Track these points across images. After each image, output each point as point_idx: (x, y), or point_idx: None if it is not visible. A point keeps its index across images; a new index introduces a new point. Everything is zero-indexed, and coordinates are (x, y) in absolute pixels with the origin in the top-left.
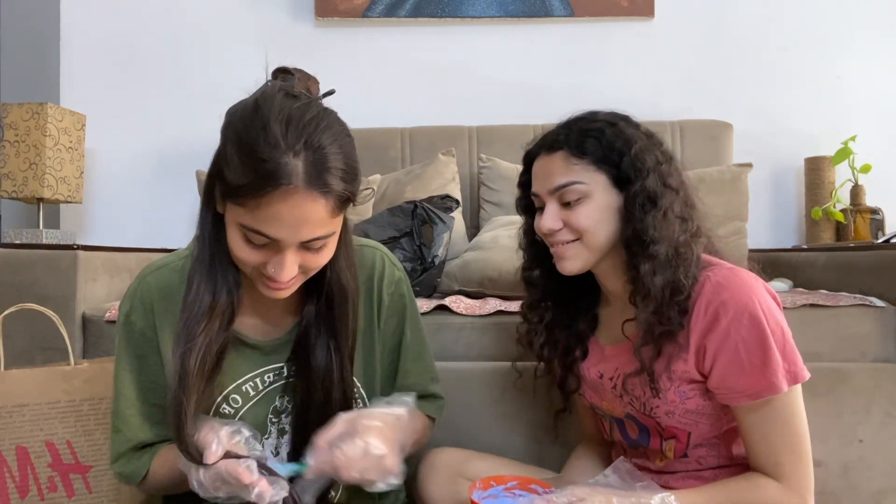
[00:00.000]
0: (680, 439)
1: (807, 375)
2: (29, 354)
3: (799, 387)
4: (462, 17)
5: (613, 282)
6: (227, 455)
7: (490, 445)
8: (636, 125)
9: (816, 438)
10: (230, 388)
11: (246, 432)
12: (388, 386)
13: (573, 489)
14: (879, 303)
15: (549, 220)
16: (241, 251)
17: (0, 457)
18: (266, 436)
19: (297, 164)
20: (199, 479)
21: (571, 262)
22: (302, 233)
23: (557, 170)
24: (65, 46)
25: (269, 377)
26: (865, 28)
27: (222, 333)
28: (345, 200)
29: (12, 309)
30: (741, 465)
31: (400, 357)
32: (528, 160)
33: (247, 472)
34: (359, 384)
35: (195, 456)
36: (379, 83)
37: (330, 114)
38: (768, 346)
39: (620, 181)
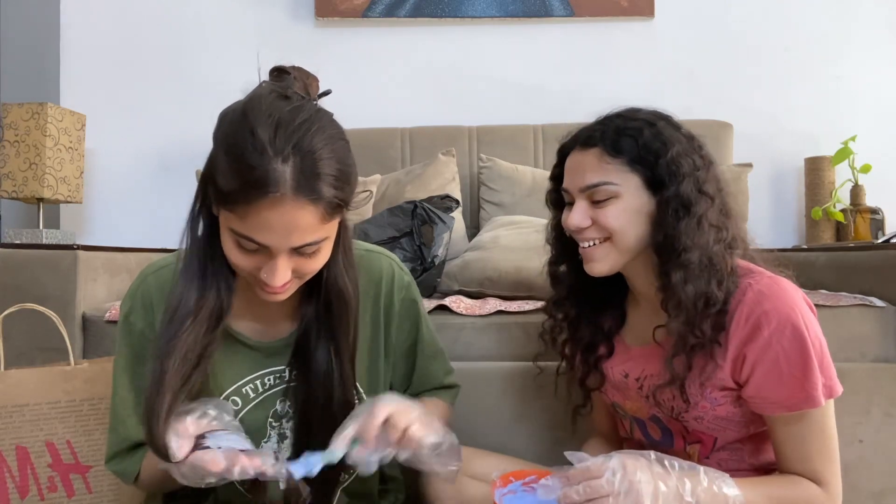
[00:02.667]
0: (705, 444)
1: (840, 390)
2: (29, 354)
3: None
4: (462, 17)
5: (643, 284)
6: (198, 442)
7: (491, 445)
8: (677, 126)
9: None
10: (230, 389)
11: (211, 412)
12: (404, 386)
13: (621, 456)
14: (879, 303)
15: (577, 217)
16: (235, 256)
17: (0, 457)
18: (265, 439)
19: (284, 171)
20: (181, 474)
21: (599, 263)
22: (292, 239)
23: (590, 167)
24: (65, 46)
25: (269, 380)
26: (865, 28)
27: (208, 336)
28: (336, 206)
29: (12, 309)
30: (759, 471)
31: (417, 357)
32: (562, 154)
33: (213, 461)
34: (361, 390)
35: (165, 455)
36: (379, 83)
37: (323, 116)
38: (809, 359)
39: (654, 184)
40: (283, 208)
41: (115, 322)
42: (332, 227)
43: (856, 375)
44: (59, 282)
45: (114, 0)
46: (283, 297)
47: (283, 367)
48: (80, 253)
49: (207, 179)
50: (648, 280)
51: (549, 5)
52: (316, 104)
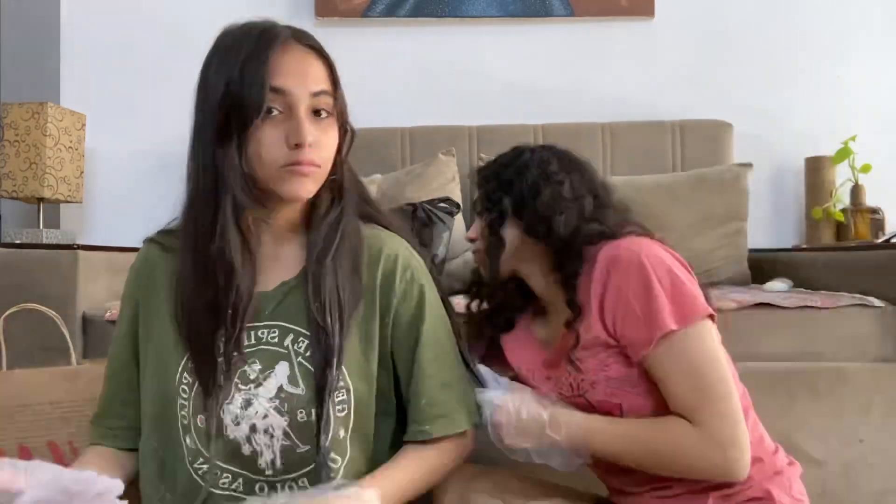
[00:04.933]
0: (614, 414)
1: (701, 311)
2: (29, 354)
3: (704, 328)
4: (462, 17)
5: (537, 283)
6: None
7: (492, 444)
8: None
9: (817, 438)
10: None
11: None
12: (408, 398)
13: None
14: (879, 303)
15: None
16: (268, 140)
17: (3, 456)
18: (228, 401)
19: (282, 27)
20: None
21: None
22: (308, 82)
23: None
24: (65, 46)
25: (243, 337)
26: (865, 28)
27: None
28: (336, 82)
29: (14, 309)
30: None
31: (414, 367)
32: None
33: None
34: (346, 372)
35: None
36: (379, 83)
37: None
38: (651, 289)
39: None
40: (293, 51)
41: (115, 322)
42: (338, 103)
43: (856, 375)
44: (59, 282)
45: (114, 0)
46: (311, 182)
47: (261, 324)
48: (81, 253)
49: (217, 118)
50: (541, 279)
51: (549, 5)
52: None
